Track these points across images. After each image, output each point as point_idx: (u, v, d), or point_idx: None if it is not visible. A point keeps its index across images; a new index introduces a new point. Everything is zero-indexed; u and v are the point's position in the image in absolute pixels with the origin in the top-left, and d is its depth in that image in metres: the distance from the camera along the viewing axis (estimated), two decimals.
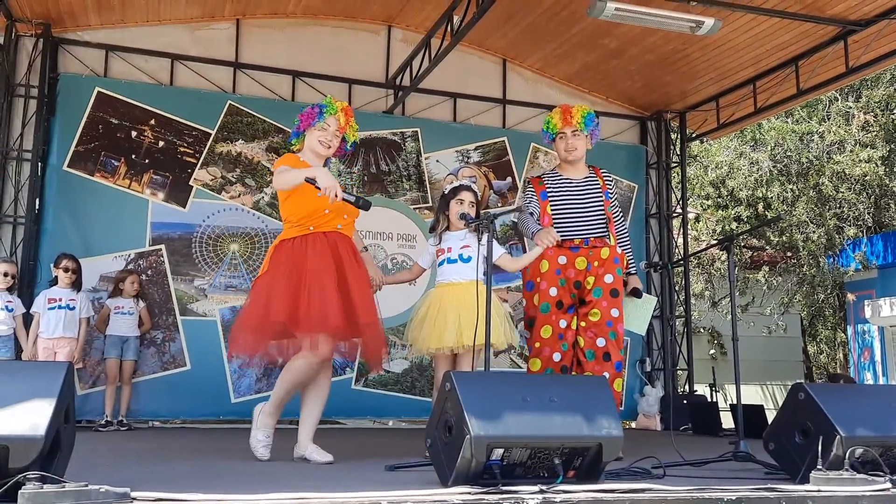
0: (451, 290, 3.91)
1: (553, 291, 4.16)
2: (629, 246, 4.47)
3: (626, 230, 4.52)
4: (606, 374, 4.03)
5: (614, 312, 4.16)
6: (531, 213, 4.28)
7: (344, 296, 3.51)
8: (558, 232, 4.17)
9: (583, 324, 4.18)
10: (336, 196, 3.32)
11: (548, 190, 4.31)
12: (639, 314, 4.39)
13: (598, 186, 4.34)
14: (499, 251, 3.91)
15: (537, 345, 4.16)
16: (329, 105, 3.78)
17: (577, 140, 4.28)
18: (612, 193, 4.40)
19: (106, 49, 6.92)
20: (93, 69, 6.87)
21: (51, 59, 6.71)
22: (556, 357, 4.12)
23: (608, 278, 4.18)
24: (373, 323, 3.61)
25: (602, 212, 4.30)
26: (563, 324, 4.15)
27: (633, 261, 4.48)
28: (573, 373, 4.16)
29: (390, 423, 7.75)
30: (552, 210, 4.26)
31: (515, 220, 4.32)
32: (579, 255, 4.20)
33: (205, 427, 6.74)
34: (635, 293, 4.36)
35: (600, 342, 4.12)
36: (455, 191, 4.04)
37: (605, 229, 4.27)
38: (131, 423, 6.23)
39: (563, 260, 4.19)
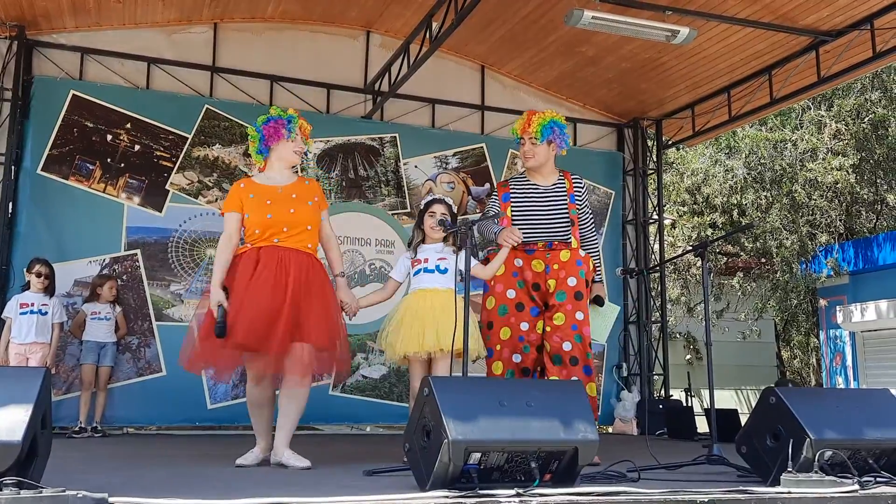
0: (428, 295, 3.92)
1: (511, 293, 4.17)
2: (597, 253, 4.46)
3: (594, 237, 4.50)
4: (576, 378, 4.03)
5: (579, 315, 4.14)
6: (492, 216, 4.29)
7: (295, 311, 3.53)
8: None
9: (548, 328, 4.16)
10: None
11: (511, 192, 4.33)
12: (600, 322, 4.37)
13: (564, 191, 4.33)
14: (471, 260, 3.95)
15: (498, 347, 4.14)
16: (294, 117, 3.86)
17: (535, 148, 4.26)
18: (579, 197, 4.37)
19: (81, 52, 6.87)
20: (68, 72, 6.81)
21: (25, 61, 6.64)
22: (517, 358, 4.12)
23: (571, 281, 4.16)
24: (323, 342, 3.61)
25: (565, 216, 4.26)
26: (524, 326, 4.14)
27: (599, 268, 4.46)
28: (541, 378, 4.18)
29: (368, 429, 7.74)
30: (512, 212, 4.26)
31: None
32: (535, 257, 4.19)
33: (180, 433, 6.69)
34: (598, 301, 4.34)
35: (566, 346, 4.10)
36: (427, 205, 4.09)
37: (567, 233, 4.24)
38: (105, 430, 6.17)
39: (518, 262, 4.19)
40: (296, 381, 3.63)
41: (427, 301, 3.90)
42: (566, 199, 4.30)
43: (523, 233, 4.17)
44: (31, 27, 6.66)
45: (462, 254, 3.67)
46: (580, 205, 4.38)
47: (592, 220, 4.53)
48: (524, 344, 4.13)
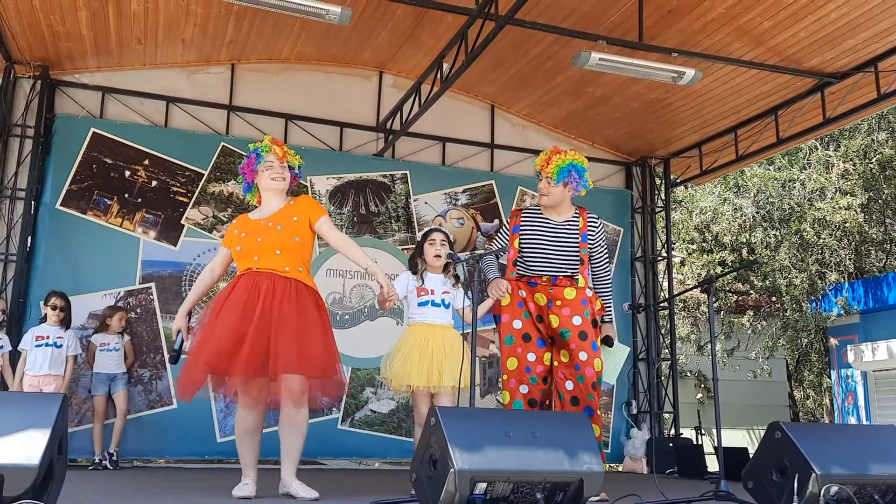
0: (433, 330, 4.00)
1: (517, 324, 4.18)
2: (608, 292, 4.42)
3: (608, 276, 4.45)
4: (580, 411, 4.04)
5: (582, 355, 4.09)
6: (494, 252, 4.32)
7: (239, 332, 3.54)
8: (522, 266, 4.24)
9: (555, 363, 4.17)
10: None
11: (521, 224, 4.34)
12: (610, 363, 4.33)
13: (577, 229, 4.31)
14: (460, 301, 4.03)
15: (504, 377, 4.17)
16: (260, 146, 3.92)
17: (549, 187, 4.27)
18: (592, 236, 4.33)
19: (103, 91, 7.06)
20: (89, 110, 6.99)
21: (48, 100, 6.84)
22: (523, 389, 4.11)
23: (576, 320, 4.12)
24: (300, 368, 3.56)
25: (574, 253, 4.25)
26: (531, 357, 4.14)
27: (609, 309, 4.43)
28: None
29: (376, 465, 7.72)
30: (520, 244, 4.27)
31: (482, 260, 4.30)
32: (537, 290, 4.19)
33: (190, 466, 6.71)
34: (607, 341, 4.30)
35: (568, 385, 4.10)
36: (426, 235, 4.18)
37: (573, 270, 4.23)
38: (120, 459, 6.18)
39: (523, 293, 4.21)
40: (291, 412, 3.61)
41: (437, 337, 3.96)
42: (577, 237, 4.28)
43: (527, 265, 4.23)
44: (54, 67, 6.87)
45: (465, 287, 3.75)
46: (593, 243, 4.33)
47: (608, 260, 4.47)
48: (531, 375, 4.13)
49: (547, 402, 4.20)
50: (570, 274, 4.22)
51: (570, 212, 4.37)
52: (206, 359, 3.53)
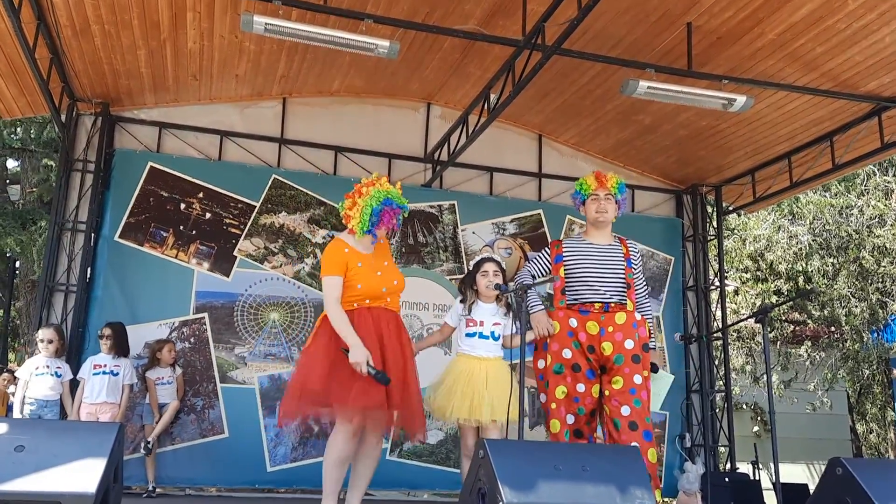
0: (481, 364, 3.97)
1: (567, 353, 4.15)
2: (651, 320, 4.43)
3: (648, 303, 4.48)
4: (635, 444, 3.97)
5: (637, 379, 4.09)
6: (532, 276, 4.32)
7: (386, 372, 3.63)
8: (571, 294, 4.20)
9: (606, 392, 4.12)
10: (360, 369, 3.57)
11: (563, 253, 4.34)
12: (654, 390, 4.30)
13: (621, 253, 4.34)
14: (509, 328, 4.01)
15: (553, 406, 4.12)
16: (404, 207, 3.91)
17: (609, 203, 4.33)
18: (635, 262, 4.37)
19: (160, 126, 7.29)
20: (146, 145, 7.22)
21: (108, 135, 7.09)
22: (570, 419, 4.09)
23: (628, 344, 4.12)
24: (412, 401, 3.69)
25: (621, 278, 4.26)
26: (580, 388, 4.11)
27: (654, 335, 4.43)
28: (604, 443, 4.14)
29: (425, 496, 7.68)
30: (566, 272, 4.25)
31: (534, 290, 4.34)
32: (589, 318, 4.17)
33: (240, 496, 6.77)
34: (652, 368, 4.28)
35: (625, 410, 4.06)
36: (478, 264, 4.17)
37: (623, 295, 4.23)
38: (152, 446, 6.19)
39: (573, 322, 4.17)
40: (376, 444, 3.76)
41: (482, 370, 3.93)
42: (623, 262, 4.30)
43: (577, 291, 4.19)
44: (114, 104, 7.12)
45: (515, 316, 3.72)
46: (636, 269, 4.37)
47: (647, 288, 4.50)
48: (579, 406, 4.10)
49: (591, 435, 4.16)
50: (619, 300, 4.19)
51: (610, 237, 4.41)
52: (355, 394, 3.60)
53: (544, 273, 4.33)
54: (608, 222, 4.37)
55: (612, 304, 4.19)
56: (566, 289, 4.25)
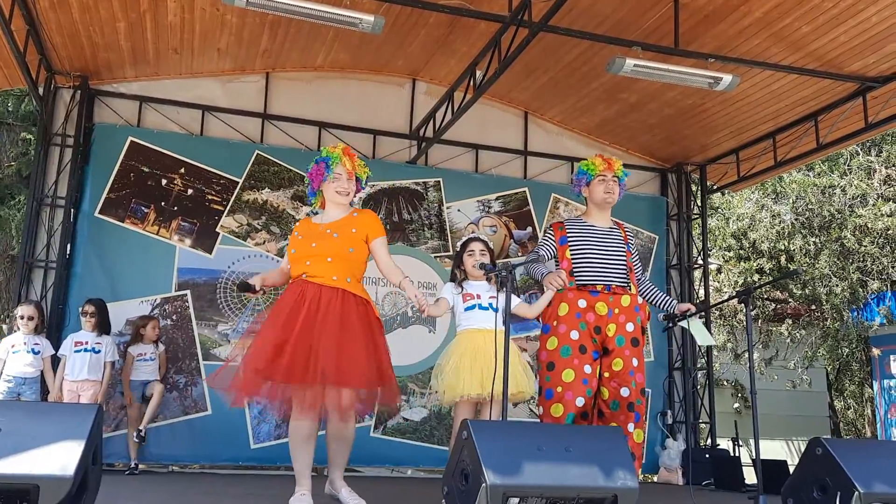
0: (483, 336, 3.92)
1: (574, 335, 4.13)
2: (657, 292, 4.56)
3: (651, 285, 4.59)
4: (631, 426, 4.02)
5: (635, 362, 4.15)
6: (540, 256, 4.32)
7: (280, 340, 3.56)
8: (579, 277, 4.20)
9: (606, 374, 4.14)
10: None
11: (568, 236, 4.34)
12: (700, 329, 4.39)
13: (621, 238, 4.40)
14: (514, 300, 3.96)
15: (559, 389, 4.05)
16: (331, 155, 3.89)
17: (615, 185, 4.38)
18: (633, 247, 4.46)
19: (140, 100, 7.17)
20: (127, 119, 7.11)
21: (87, 109, 6.97)
22: (580, 402, 4.04)
23: (629, 327, 4.19)
24: (347, 374, 3.57)
25: (623, 261, 4.32)
26: (587, 369, 4.08)
27: (667, 297, 4.57)
28: (594, 423, 4.15)
29: (409, 472, 7.72)
30: (572, 255, 4.28)
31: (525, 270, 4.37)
32: (599, 299, 4.18)
33: (224, 472, 6.77)
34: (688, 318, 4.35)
35: (624, 392, 4.10)
36: (465, 244, 4.14)
37: (626, 278, 4.29)
38: (144, 434, 6.13)
39: (582, 304, 4.18)
40: (339, 426, 3.68)
41: (488, 343, 3.81)
42: (623, 246, 4.37)
43: (584, 275, 4.19)
44: (93, 77, 6.99)
45: (503, 295, 3.70)
46: (634, 254, 4.45)
47: (642, 269, 4.57)
48: (587, 388, 4.06)
49: (593, 414, 4.19)
50: (622, 282, 4.25)
51: (610, 221, 4.48)
52: (252, 365, 3.55)
53: (549, 254, 4.36)
54: (611, 206, 4.42)
55: (615, 286, 4.23)
56: (573, 270, 4.24)
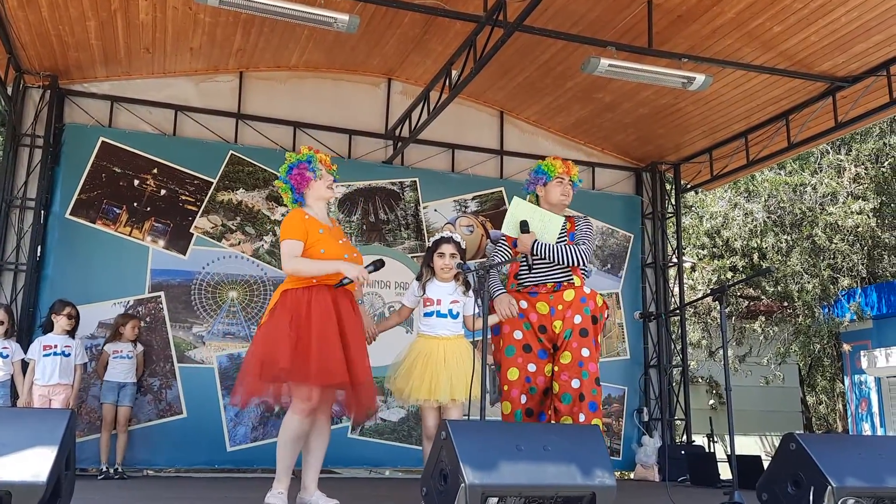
0: (440, 343, 3.92)
1: (518, 335, 4.22)
2: (575, 256, 4.30)
3: (570, 249, 4.31)
4: (582, 416, 4.05)
5: (584, 352, 4.16)
6: (497, 264, 4.32)
7: (344, 350, 3.57)
8: (520, 279, 4.28)
9: (556, 368, 4.19)
10: (366, 278, 3.55)
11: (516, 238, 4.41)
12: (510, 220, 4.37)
13: (565, 231, 4.39)
14: (470, 308, 3.98)
15: (505, 387, 4.20)
16: (311, 157, 3.86)
17: (571, 189, 4.45)
18: (578, 232, 4.38)
19: (111, 100, 7.08)
20: (98, 120, 7.01)
21: (57, 109, 6.86)
22: (523, 399, 4.15)
23: (577, 319, 4.20)
24: (367, 380, 3.66)
25: None
26: (531, 367, 4.18)
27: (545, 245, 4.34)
28: (550, 420, 4.19)
29: (387, 473, 7.70)
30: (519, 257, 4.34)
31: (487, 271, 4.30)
32: (539, 299, 4.25)
33: (200, 476, 6.70)
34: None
35: (575, 383, 4.12)
36: (436, 244, 4.11)
37: (568, 272, 4.29)
38: (125, 472, 6.18)
39: (524, 304, 4.25)
40: (326, 420, 3.72)
41: (440, 349, 3.88)
42: (565, 239, 4.37)
43: (528, 276, 4.24)
44: (63, 77, 6.89)
45: (476, 295, 3.70)
46: (578, 239, 4.36)
47: (585, 243, 4.36)
48: (531, 385, 4.17)
49: (543, 412, 4.21)
50: (567, 278, 4.25)
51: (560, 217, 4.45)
52: (316, 372, 3.50)
53: (511, 256, 4.36)
54: (566, 206, 4.49)
55: (563, 283, 4.26)
56: (518, 273, 4.33)
